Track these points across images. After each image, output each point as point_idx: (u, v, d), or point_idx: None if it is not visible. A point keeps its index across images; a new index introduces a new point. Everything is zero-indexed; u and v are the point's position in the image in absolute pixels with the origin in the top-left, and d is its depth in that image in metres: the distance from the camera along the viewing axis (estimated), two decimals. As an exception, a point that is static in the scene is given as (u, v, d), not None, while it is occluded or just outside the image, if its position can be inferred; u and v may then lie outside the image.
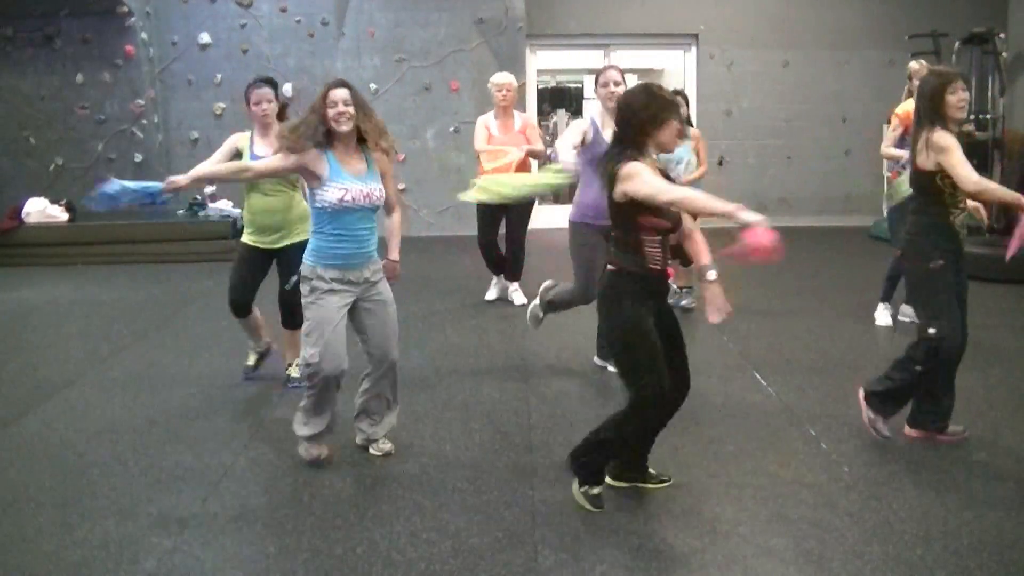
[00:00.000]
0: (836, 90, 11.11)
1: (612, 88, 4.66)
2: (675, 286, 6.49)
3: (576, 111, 13.08)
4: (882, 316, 6.17)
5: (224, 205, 9.71)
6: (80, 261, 9.09)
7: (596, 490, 3.39)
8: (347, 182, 3.57)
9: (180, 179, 3.67)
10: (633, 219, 3.15)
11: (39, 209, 9.40)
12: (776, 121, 11.12)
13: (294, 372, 4.85)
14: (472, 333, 6.14)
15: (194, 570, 3.00)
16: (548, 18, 10.87)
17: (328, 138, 3.59)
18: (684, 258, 3.38)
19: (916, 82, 5.43)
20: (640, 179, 3.05)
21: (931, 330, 3.82)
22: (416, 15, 10.43)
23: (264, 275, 4.86)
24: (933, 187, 3.82)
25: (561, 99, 13.36)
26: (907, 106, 5.77)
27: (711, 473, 3.71)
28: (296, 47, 10.42)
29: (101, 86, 10.24)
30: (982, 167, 9.38)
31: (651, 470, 3.57)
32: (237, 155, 4.66)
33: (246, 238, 4.80)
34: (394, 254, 3.96)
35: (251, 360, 5.11)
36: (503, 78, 6.55)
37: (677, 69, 11.84)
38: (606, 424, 3.33)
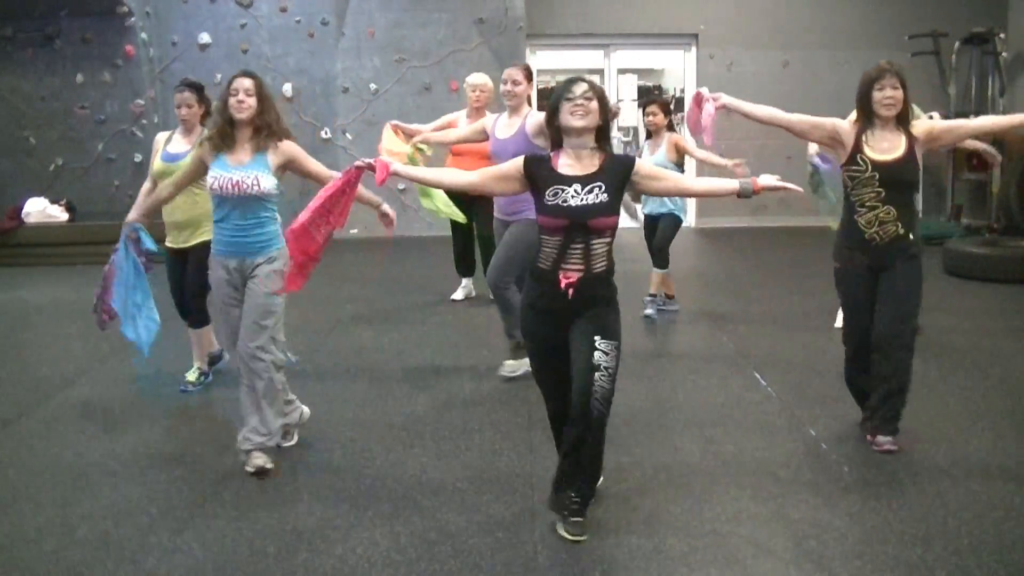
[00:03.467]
0: (836, 90, 11.02)
1: (510, 87, 4.80)
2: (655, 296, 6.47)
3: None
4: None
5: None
6: (80, 261, 9.07)
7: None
8: (219, 171, 3.64)
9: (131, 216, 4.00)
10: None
11: (39, 209, 9.41)
12: (776, 121, 11.10)
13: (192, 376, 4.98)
14: (472, 333, 6.13)
15: (194, 570, 3.00)
16: (548, 18, 10.87)
17: (231, 127, 3.68)
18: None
19: None
20: None
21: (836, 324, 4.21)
22: (416, 15, 10.43)
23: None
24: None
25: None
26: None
27: (711, 473, 3.71)
28: (296, 47, 10.40)
29: (101, 86, 10.23)
30: (982, 167, 9.38)
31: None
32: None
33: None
34: (373, 198, 3.77)
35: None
36: (480, 79, 6.62)
37: (677, 69, 11.84)
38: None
